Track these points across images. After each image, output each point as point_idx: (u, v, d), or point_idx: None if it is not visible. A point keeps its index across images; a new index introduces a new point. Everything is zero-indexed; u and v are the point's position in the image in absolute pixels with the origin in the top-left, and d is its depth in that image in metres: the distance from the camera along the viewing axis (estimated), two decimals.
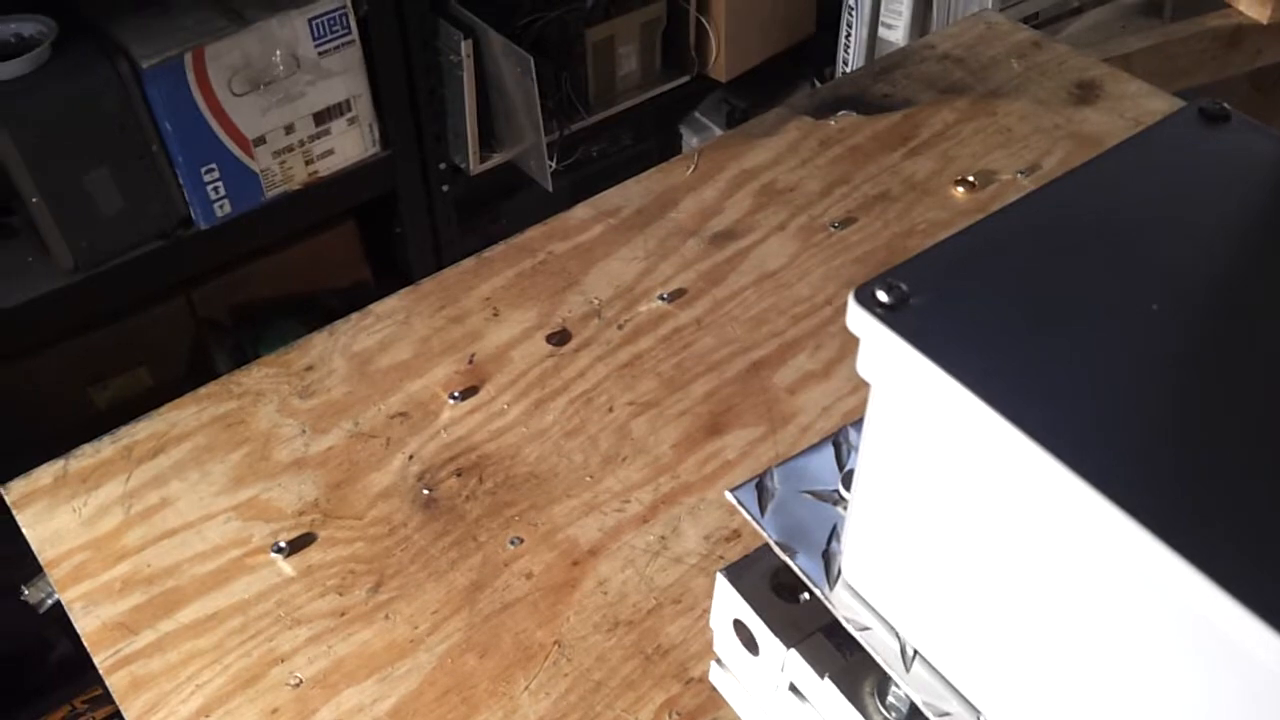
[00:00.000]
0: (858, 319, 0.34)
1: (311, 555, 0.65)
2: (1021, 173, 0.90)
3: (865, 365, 0.35)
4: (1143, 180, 0.38)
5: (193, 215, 1.27)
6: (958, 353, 0.32)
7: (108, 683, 0.60)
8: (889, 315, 0.33)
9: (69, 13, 1.16)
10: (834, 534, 0.43)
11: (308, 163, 1.31)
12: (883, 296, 0.34)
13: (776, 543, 0.44)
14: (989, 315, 0.34)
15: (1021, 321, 0.34)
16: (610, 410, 0.73)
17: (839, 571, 0.42)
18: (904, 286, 0.34)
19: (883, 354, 0.34)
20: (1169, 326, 0.33)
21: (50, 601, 1.37)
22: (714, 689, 0.58)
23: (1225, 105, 0.39)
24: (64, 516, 0.68)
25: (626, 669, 0.60)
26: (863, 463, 0.38)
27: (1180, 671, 0.31)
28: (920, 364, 0.32)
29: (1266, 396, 0.32)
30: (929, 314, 0.33)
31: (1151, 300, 0.34)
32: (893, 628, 0.41)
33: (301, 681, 0.60)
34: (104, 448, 0.71)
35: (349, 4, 1.25)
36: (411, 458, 0.70)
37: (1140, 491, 0.29)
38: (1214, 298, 0.35)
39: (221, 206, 1.27)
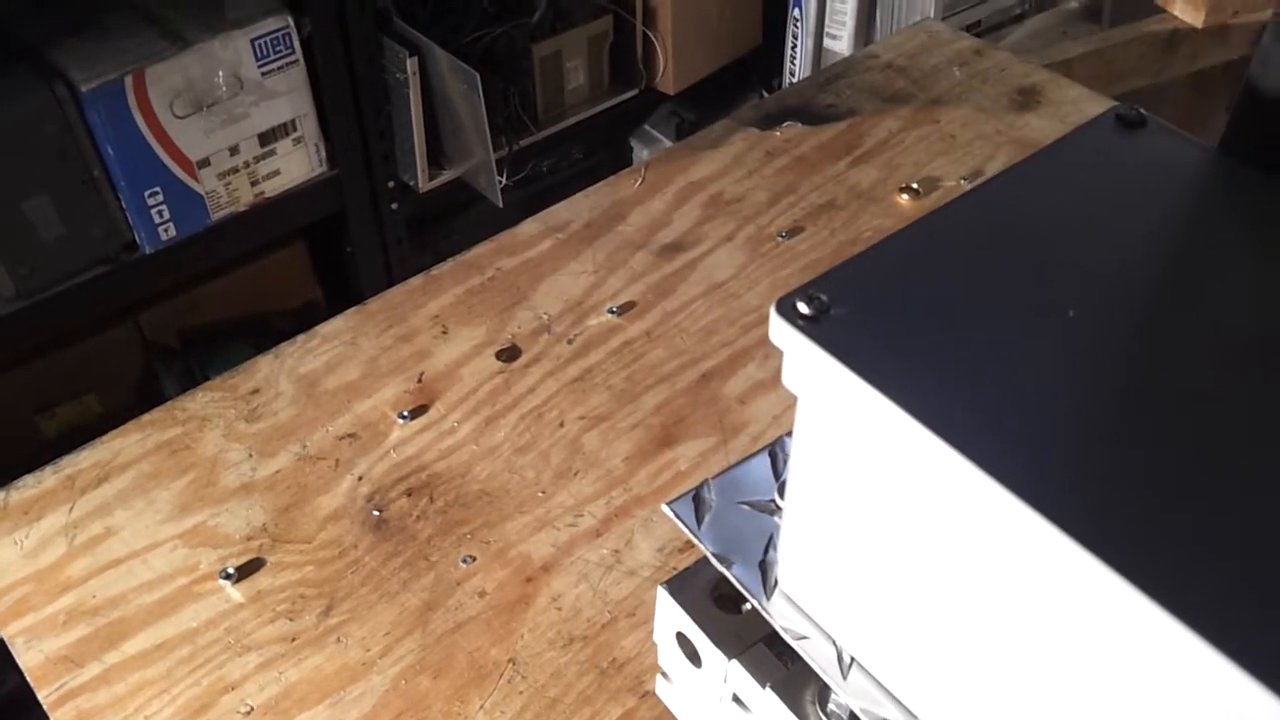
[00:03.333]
0: (780, 331, 0.34)
1: (260, 581, 0.64)
2: (965, 179, 0.91)
3: (789, 377, 0.35)
4: (1061, 186, 0.38)
5: (137, 239, 1.25)
6: (879, 362, 0.32)
7: (53, 718, 0.59)
8: (810, 327, 0.34)
9: (5, 36, 1.15)
10: (770, 544, 0.43)
11: (254, 184, 1.30)
12: (803, 308, 0.34)
13: (713, 554, 0.44)
14: (909, 324, 0.34)
15: (941, 330, 0.34)
16: (561, 425, 0.73)
17: (776, 581, 0.43)
18: (824, 298, 0.34)
19: (805, 365, 0.34)
20: (1086, 331, 0.34)
21: None
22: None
23: (1141, 110, 0.39)
24: (5, 549, 0.66)
25: (582, 684, 0.59)
26: (793, 473, 0.39)
27: (1108, 675, 0.31)
28: (841, 374, 0.32)
29: (1185, 397, 0.32)
30: (849, 324, 0.34)
31: (1068, 305, 0.34)
32: (829, 636, 0.41)
33: (253, 709, 0.59)
34: (46, 478, 0.70)
35: (292, 24, 1.24)
36: (361, 479, 0.70)
37: (1062, 498, 0.29)
38: (1131, 301, 0.35)
39: (166, 230, 1.26)
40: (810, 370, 0.34)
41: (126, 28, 1.19)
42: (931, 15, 1.52)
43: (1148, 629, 0.28)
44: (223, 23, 1.21)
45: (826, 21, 1.58)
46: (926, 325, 0.34)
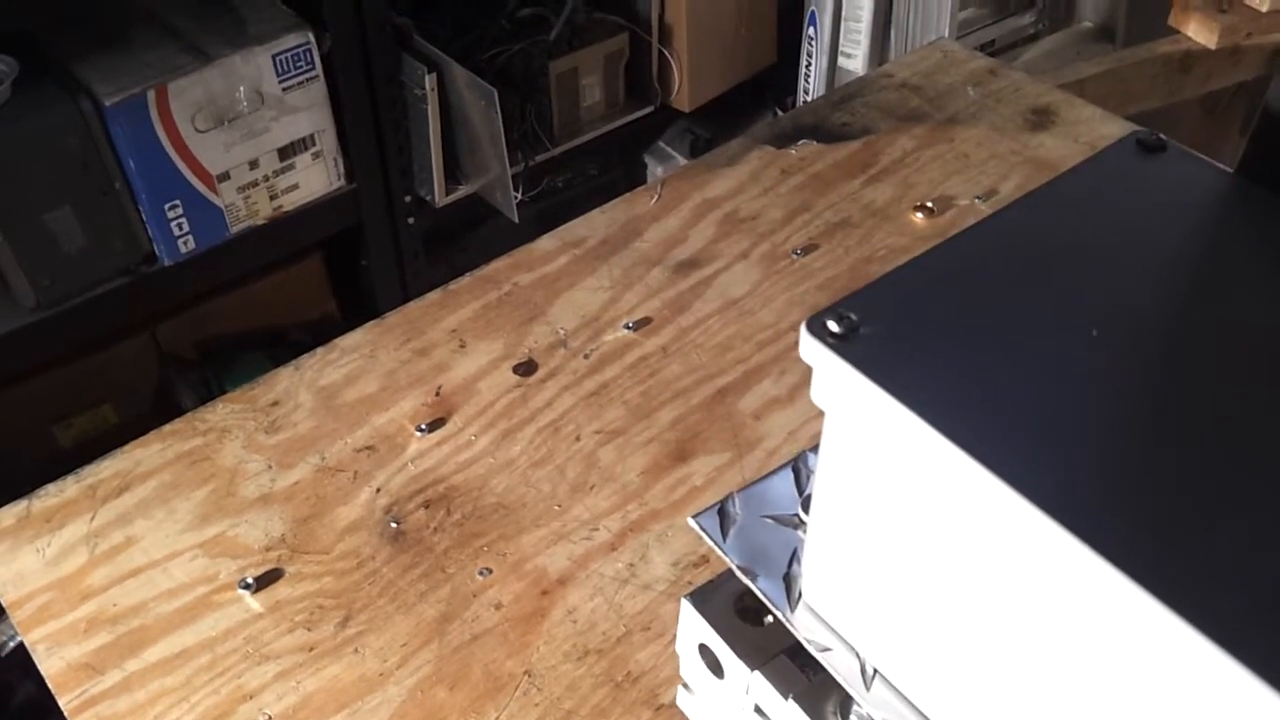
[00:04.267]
0: (810, 349, 0.35)
1: (279, 591, 0.65)
2: (979, 198, 0.91)
3: (819, 393, 0.36)
4: (1083, 210, 0.39)
5: (157, 252, 1.26)
6: (907, 379, 0.33)
7: None
8: (840, 345, 0.34)
9: (31, 51, 1.16)
10: (794, 557, 0.44)
11: (272, 198, 1.31)
12: (834, 326, 0.35)
13: (738, 567, 0.44)
14: (936, 343, 0.35)
15: (968, 349, 0.35)
16: (577, 439, 0.73)
17: (800, 594, 0.43)
18: (854, 316, 0.35)
19: (835, 382, 0.35)
20: (1111, 352, 0.34)
21: (11, 645, 1.35)
22: (684, 715, 0.58)
23: (1161, 136, 0.40)
24: (27, 557, 0.67)
25: (597, 697, 0.60)
26: (819, 488, 0.39)
27: (1134, 690, 0.31)
28: (871, 391, 0.33)
29: (1208, 417, 0.33)
30: (879, 342, 0.34)
31: (1092, 326, 0.35)
32: (853, 648, 0.42)
33: (271, 718, 0.59)
34: (68, 487, 0.71)
35: (313, 40, 1.25)
36: (379, 491, 0.70)
37: (1089, 513, 0.30)
38: (1154, 323, 0.36)
39: (186, 243, 1.27)
40: (839, 387, 0.35)
41: (150, 42, 1.21)
42: (946, 35, 1.53)
43: (1175, 646, 0.28)
44: (244, 38, 1.22)
45: (841, 40, 1.59)
46: (953, 344, 0.34)
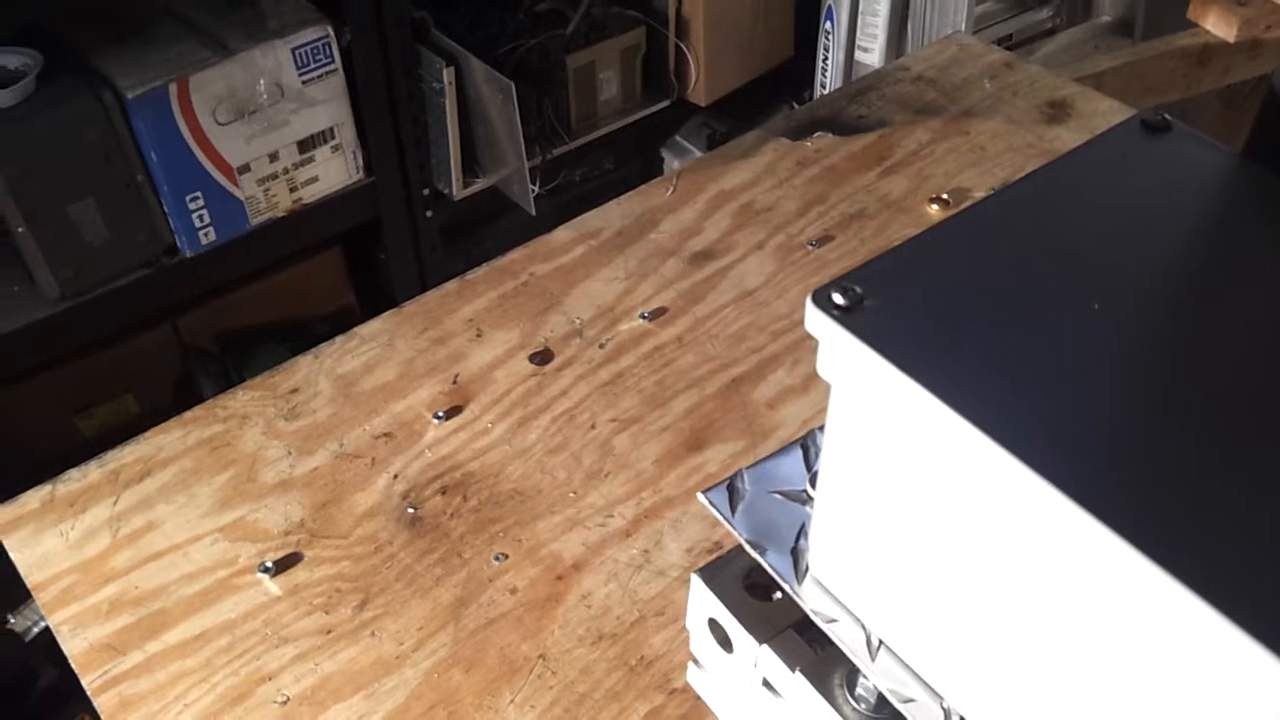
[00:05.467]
0: (815, 321, 0.35)
1: (298, 575, 0.66)
2: (994, 190, 0.92)
3: (824, 366, 0.37)
4: (1086, 188, 0.39)
5: (178, 243, 1.28)
6: (911, 351, 0.33)
7: (96, 704, 0.61)
8: (845, 317, 0.35)
9: (54, 45, 1.17)
10: (802, 532, 0.45)
11: (292, 190, 1.33)
12: (838, 299, 0.35)
13: (747, 541, 0.45)
14: (940, 316, 0.35)
15: (971, 322, 0.35)
16: (593, 427, 0.74)
17: (807, 567, 0.44)
18: (859, 289, 0.35)
19: (840, 354, 0.35)
20: (1113, 326, 0.35)
21: (36, 629, 1.37)
22: (697, 699, 0.59)
23: (1166, 116, 0.40)
24: (51, 540, 0.68)
25: (611, 681, 0.60)
26: (825, 460, 0.40)
27: (1139, 659, 0.32)
28: (875, 362, 0.34)
29: (1209, 390, 0.33)
30: (883, 315, 0.35)
31: (1094, 301, 0.35)
32: (858, 619, 0.42)
33: (289, 699, 0.60)
34: (91, 472, 0.72)
35: (332, 33, 1.26)
36: (396, 477, 0.71)
37: (1095, 484, 0.30)
38: (1155, 299, 0.36)
39: (206, 234, 1.28)
40: (844, 359, 0.35)
41: (171, 36, 1.22)
42: (963, 29, 1.53)
43: (1179, 615, 0.28)
44: (264, 32, 1.23)
45: (858, 34, 1.59)
46: (957, 317, 0.35)
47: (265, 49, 1.22)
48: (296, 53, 1.25)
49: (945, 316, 0.35)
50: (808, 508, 0.45)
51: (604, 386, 0.77)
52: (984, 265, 0.37)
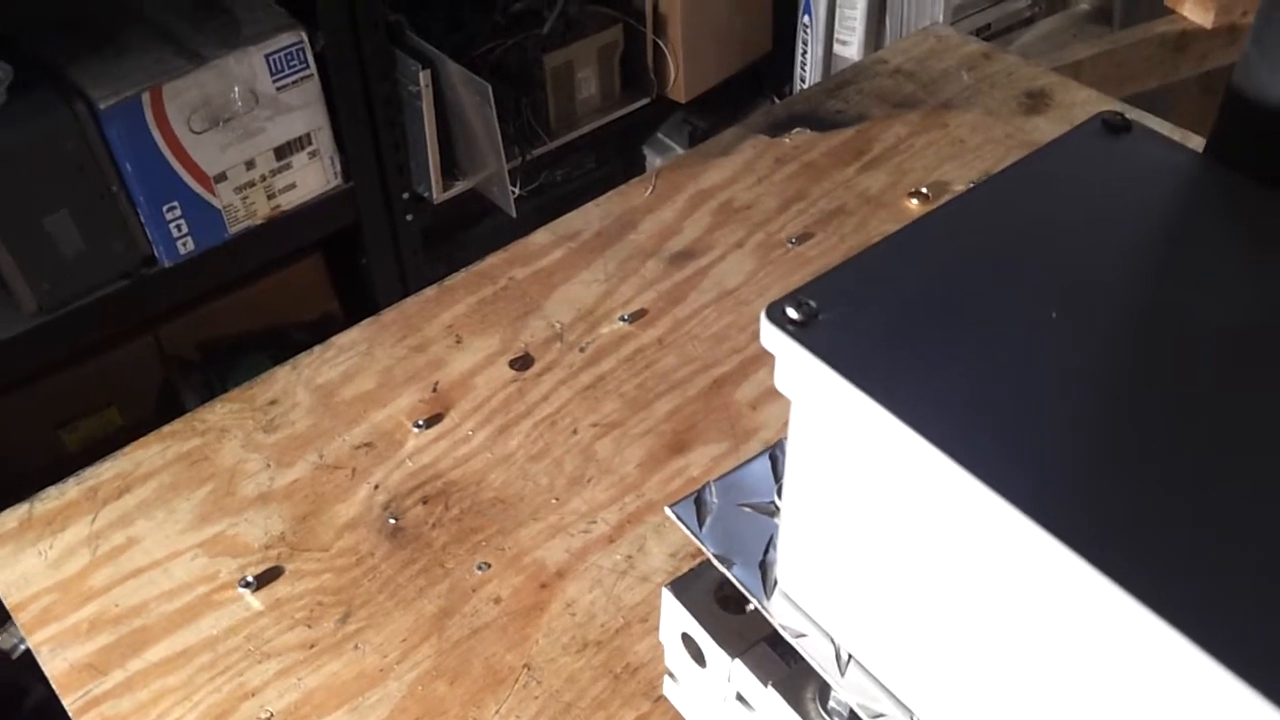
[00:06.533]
0: (770, 336, 0.35)
1: (279, 589, 0.65)
2: (974, 183, 0.91)
3: (782, 381, 0.36)
4: (1046, 191, 0.39)
5: (156, 254, 1.27)
6: (866, 366, 0.33)
7: None
8: (799, 331, 0.34)
9: (24, 56, 1.16)
10: (770, 544, 0.44)
11: (270, 197, 1.32)
12: (792, 313, 0.35)
13: (715, 555, 0.44)
14: (896, 328, 0.35)
15: (927, 333, 0.35)
16: (574, 432, 0.74)
17: (775, 581, 0.43)
18: (813, 303, 0.35)
19: (796, 370, 0.35)
20: (1071, 334, 0.34)
21: (23, 647, 1.36)
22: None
23: (1126, 115, 0.40)
24: (30, 560, 0.67)
25: (596, 689, 0.60)
26: (788, 475, 0.39)
27: (1098, 673, 0.31)
28: (830, 378, 0.33)
29: (1169, 399, 0.33)
30: (837, 329, 0.34)
31: (1053, 309, 0.35)
32: (827, 634, 0.42)
33: (273, 715, 0.60)
34: (69, 489, 0.71)
35: (305, 39, 1.25)
36: (377, 487, 0.71)
37: (1049, 499, 0.30)
38: (1114, 304, 0.36)
39: (185, 244, 1.27)
40: (800, 374, 0.35)
41: (143, 45, 1.21)
42: (940, 20, 1.53)
43: (1135, 630, 0.28)
44: (238, 38, 1.22)
45: (836, 27, 1.59)
46: (913, 329, 0.35)
47: (239, 56, 1.21)
48: (270, 59, 1.24)
49: (901, 329, 0.35)
50: (775, 519, 0.45)
51: (585, 391, 0.76)
52: (940, 275, 0.36)
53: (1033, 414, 0.32)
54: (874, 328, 0.35)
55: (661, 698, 0.59)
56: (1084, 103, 0.99)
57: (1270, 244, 0.37)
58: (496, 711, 0.59)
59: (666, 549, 0.66)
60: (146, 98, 1.16)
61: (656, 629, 0.62)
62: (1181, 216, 0.38)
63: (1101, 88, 1.03)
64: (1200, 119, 1.52)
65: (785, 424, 0.73)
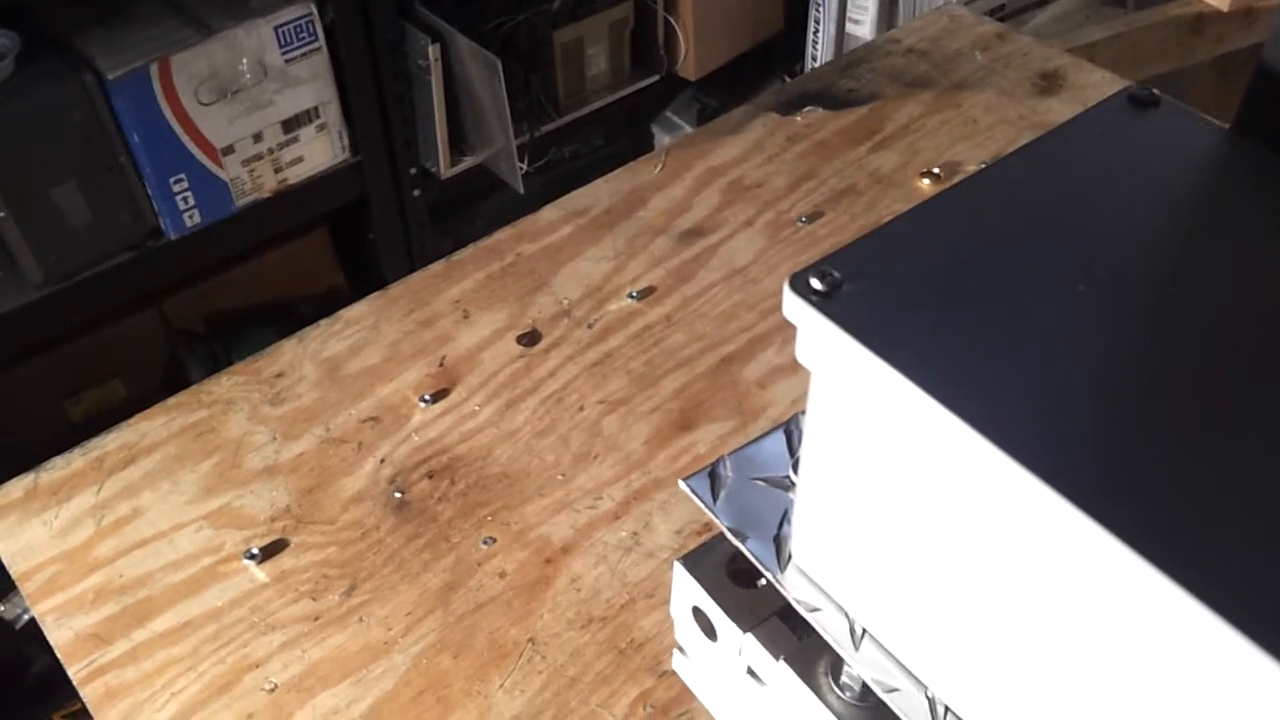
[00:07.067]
0: (793, 307, 0.35)
1: (284, 561, 0.65)
2: (986, 164, 0.91)
3: (803, 352, 0.36)
4: (1072, 165, 0.38)
5: (162, 226, 1.26)
6: (890, 337, 0.33)
7: (82, 694, 0.60)
8: (823, 302, 0.34)
9: (33, 26, 1.16)
10: (785, 519, 0.44)
11: (277, 170, 1.31)
12: (816, 284, 0.34)
13: (729, 528, 0.44)
14: (920, 300, 0.34)
15: (951, 305, 0.34)
16: (581, 409, 0.73)
17: (789, 555, 0.43)
18: (837, 274, 0.34)
19: (818, 340, 0.35)
20: (1097, 308, 0.34)
21: (26, 616, 1.36)
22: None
23: (1154, 90, 0.39)
24: (35, 529, 0.67)
25: (600, 664, 0.60)
26: (806, 448, 0.39)
27: (1117, 646, 0.31)
28: (853, 349, 0.33)
29: (1196, 373, 0.32)
30: (862, 300, 0.34)
31: (1079, 282, 0.34)
32: (842, 608, 0.42)
33: (276, 686, 0.60)
34: (74, 460, 0.71)
35: (315, 11, 1.25)
36: (383, 461, 0.70)
37: (1071, 469, 0.29)
38: (1141, 278, 0.36)
39: (191, 216, 1.27)
40: (823, 345, 0.34)
41: (152, 16, 1.20)
42: (954, 0, 1.51)
43: (1157, 601, 0.28)
44: (246, 10, 1.21)
45: (849, 6, 1.58)
46: (937, 301, 0.34)
47: (247, 28, 1.21)
48: (279, 31, 1.23)
49: (925, 301, 0.34)
50: (790, 494, 0.45)
51: (592, 367, 0.76)
52: (966, 247, 0.36)
53: (1055, 385, 0.32)
54: (898, 299, 0.34)
55: (666, 672, 0.59)
56: (1098, 84, 0.98)
57: None
58: (501, 685, 0.59)
59: (672, 525, 0.66)
60: (155, 69, 1.16)
61: (661, 605, 0.62)
62: (1209, 192, 0.38)
63: (1115, 70, 1.02)
64: (1215, 103, 1.50)
65: (793, 402, 0.73)
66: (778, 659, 0.45)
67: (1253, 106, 0.38)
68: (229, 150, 1.26)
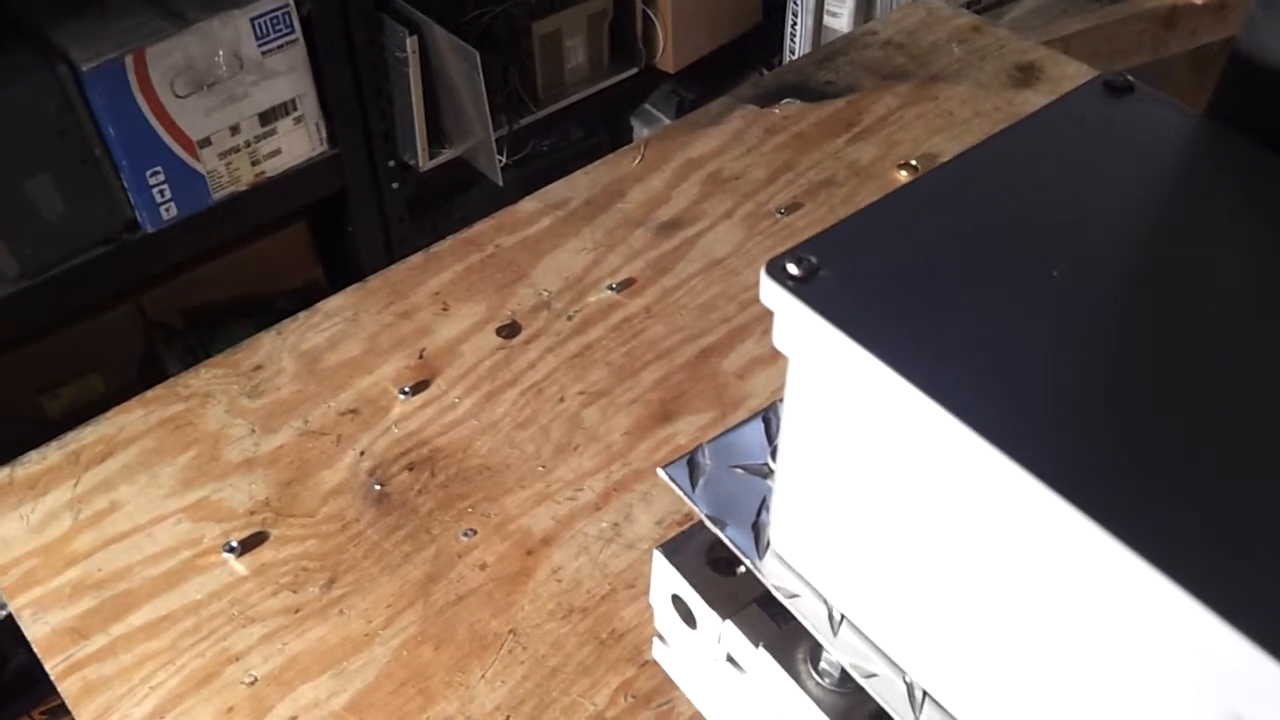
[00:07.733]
0: (770, 292, 0.35)
1: (264, 554, 0.65)
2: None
3: (780, 338, 0.36)
4: (1047, 151, 0.38)
5: (139, 219, 1.25)
6: (866, 321, 0.33)
7: (60, 688, 0.60)
8: (799, 287, 0.34)
9: (6, 17, 1.15)
10: (763, 506, 0.44)
11: (254, 163, 1.31)
12: (793, 269, 0.34)
13: (707, 516, 0.44)
14: (896, 285, 0.35)
15: (928, 290, 0.34)
16: (561, 400, 0.73)
17: (768, 542, 0.43)
18: (813, 259, 0.34)
19: (795, 326, 0.35)
20: (1073, 293, 0.34)
21: (4, 612, 1.35)
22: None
23: (1129, 77, 0.40)
24: (11, 524, 0.67)
25: (581, 654, 0.60)
26: (784, 433, 0.39)
27: (1094, 629, 0.32)
28: (830, 334, 0.33)
29: (1170, 358, 0.33)
30: (838, 285, 0.34)
31: (1054, 267, 0.35)
32: (820, 594, 0.42)
33: (256, 679, 0.60)
34: (50, 454, 0.71)
35: (291, 3, 1.24)
36: (363, 454, 0.70)
37: (1049, 454, 0.30)
38: (1116, 263, 0.36)
39: (168, 209, 1.26)
40: (799, 331, 0.35)
41: (126, 7, 1.19)
42: None
43: (1133, 584, 0.28)
44: (222, 1, 1.21)
45: None
46: (913, 285, 0.34)
47: (223, 19, 1.20)
48: (256, 23, 1.22)
49: (902, 285, 0.34)
50: (769, 481, 0.45)
51: (572, 359, 0.76)
52: (943, 231, 0.36)
53: (1035, 370, 0.32)
54: (876, 284, 0.34)
55: (647, 662, 0.59)
56: (1074, 76, 0.99)
57: (1272, 205, 0.37)
58: (482, 676, 0.59)
59: (653, 516, 0.66)
60: (130, 60, 1.15)
61: (642, 595, 0.62)
62: (1184, 177, 0.38)
63: (1091, 63, 1.03)
64: (1190, 96, 1.51)
65: (772, 392, 0.73)
66: (757, 646, 0.45)
67: (1226, 92, 0.38)
68: (205, 143, 1.25)
